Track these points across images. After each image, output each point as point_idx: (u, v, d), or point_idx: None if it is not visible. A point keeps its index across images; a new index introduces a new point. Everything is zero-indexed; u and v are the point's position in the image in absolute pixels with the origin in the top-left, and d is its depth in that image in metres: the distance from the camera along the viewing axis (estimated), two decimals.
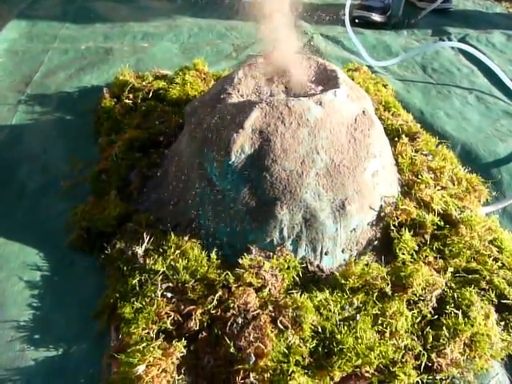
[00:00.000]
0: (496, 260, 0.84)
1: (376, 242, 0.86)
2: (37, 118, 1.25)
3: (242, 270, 0.76)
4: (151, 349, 0.68)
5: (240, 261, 0.77)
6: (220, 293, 0.74)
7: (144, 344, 0.69)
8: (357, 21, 1.85)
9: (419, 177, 0.96)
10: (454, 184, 0.98)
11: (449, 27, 1.88)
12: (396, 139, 1.09)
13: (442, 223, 0.87)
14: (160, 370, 0.66)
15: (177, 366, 0.68)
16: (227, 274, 0.76)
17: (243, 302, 0.72)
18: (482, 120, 1.32)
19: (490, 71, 1.50)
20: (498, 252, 0.86)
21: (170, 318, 0.72)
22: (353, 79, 1.34)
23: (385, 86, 1.36)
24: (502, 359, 0.74)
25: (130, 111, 1.18)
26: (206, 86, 1.27)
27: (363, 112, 0.85)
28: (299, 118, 0.78)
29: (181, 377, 0.67)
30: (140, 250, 0.80)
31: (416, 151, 1.08)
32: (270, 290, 0.75)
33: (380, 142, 0.88)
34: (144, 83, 1.26)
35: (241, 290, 0.73)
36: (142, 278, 0.77)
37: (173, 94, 1.19)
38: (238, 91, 0.86)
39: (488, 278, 0.80)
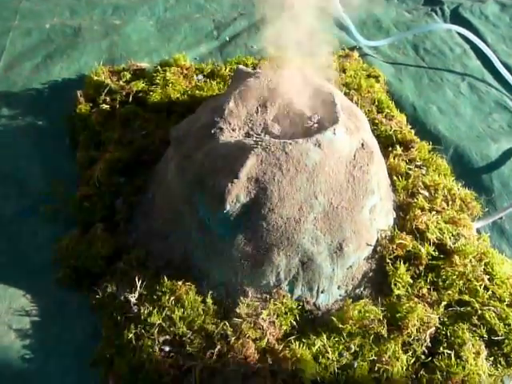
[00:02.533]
0: (487, 289, 0.86)
1: (371, 274, 0.86)
2: (5, 123, 1.15)
3: (240, 320, 0.75)
4: None
5: (237, 310, 0.76)
6: (219, 346, 0.73)
7: None
8: None
9: (415, 198, 0.95)
10: (448, 204, 0.97)
11: None
12: (390, 149, 1.06)
13: (437, 253, 0.87)
14: None
15: None
16: (225, 324, 0.75)
17: (243, 356, 0.72)
18: (474, 114, 1.29)
19: (483, 51, 1.45)
20: (489, 280, 0.87)
21: (169, 376, 0.71)
22: (344, 71, 1.27)
23: (376, 78, 1.29)
24: None
25: (108, 118, 1.09)
26: (189, 83, 1.19)
27: (362, 145, 0.81)
28: (297, 163, 0.73)
29: None
30: (133, 298, 0.78)
31: (410, 161, 1.05)
32: (268, 340, 0.74)
33: (378, 172, 0.85)
34: (121, 82, 1.16)
35: (240, 344, 0.73)
36: (138, 330, 0.75)
37: (154, 98, 1.11)
38: (230, 124, 0.80)
39: (479, 312, 0.82)
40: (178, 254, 0.85)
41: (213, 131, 0.79)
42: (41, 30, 1.45)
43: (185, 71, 1.20)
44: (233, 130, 0.79)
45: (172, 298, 0.78)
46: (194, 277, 0.82)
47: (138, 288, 0.80)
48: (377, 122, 1.12)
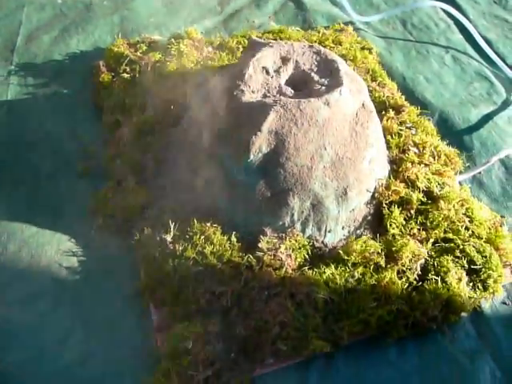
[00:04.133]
0: (467, 229, 1.01)
1: (369, 218, 1.00)
2: (31, 91, 1.25)
3: (262, 253, 0.89)
4: (194, 325, 0.81)
5: (259, 244, 0.90)
6: (245, 274, 0.87)
7: (186, 323, 0.82)
8: None
9: (406, 154, 1.09)
10: (434, 158, 1.11)
11: None
12: (383, 112, 1.20)
13: (425, 199, 1.02)
14: (204, 342, 0.80)
15: (217, 337, 0.82)
16: (249, 257, 0.89)
17: (265, 282, 0.86)
18: (457, 83, 1.43)
19: (465, 26, 1.58)
20: (470, 222, 1.02)
21: (204, 298, 0.85)
22: (340, 44, 1.39)
23: (369, 50, 1.42)
24: (469, 312, 0.93)
25: (129, 86, 1.20)
26: (200, 54, 1.29)
27: (363, 105, 0.94)
28: (310, 119, 0.86)
29: (220, 345, 0.82)
30: (168, 237, 0.91)
31: (401, 123, 1.19)
32: (286, 269, 0.88)
33: (376, 129, 0.98)
34: (139, 54, 1.26)
35: (262, 271, 0.87)
36: (175, 263, 0.88)
37: (171, 68, 1.22)
38: (249, 87, 0.92)
39: (461, 247, 0.97)
40: (204, 201, 0.97)
41: (235, 93, 0.90)
42: (54, 5, 1.52)
43: (196, 43, 1.31)
44: (252, 92, 0.91)
45: (202, 237, 0.91)
46: (220, 220, 0.95)
47: (172, 229, 0.92)
48: (371, 89, 1.25)
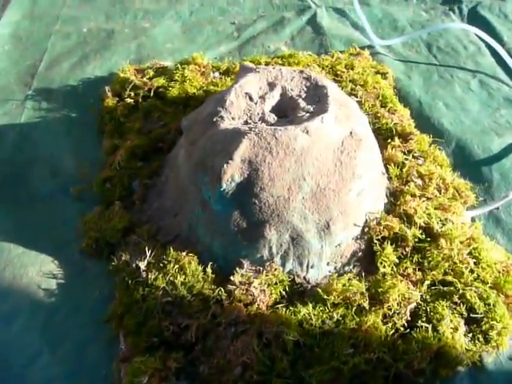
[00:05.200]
0: (472, 271, 0.90)
1: (360, 254, 0.93)
2: (44, 115, 1.30)
3: (234, 287, 0.84)
4: (153, 360, 0.78)
5: (232, 278, 0.85)
6: (213, 308, 0.83)
7: (147, 355, 0.79)
8: None
9: (407, 186, 1.01)
10: (440, 192, 1.02)
11: None
12: (389, 140, 1.12)
13: (424, 236, 0.93)
14: (161, 378, 0.76)
15: (176, 373, 0.78)
16: (220, 290, 0.85)
17: (234, 318, 0.81)
18: (481, 109, 1.32)
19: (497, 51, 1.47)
20: (475, 264, 0.92)
21: (169, 331, 0.81)
22: (352, 68, 1.34)
23: (384, 74, 1.35)
24: (468, 367, 0.83)
25: (131, 111, 1.22)
26: (205, 79, 1.29)
27: (350, 133, 0.89)
28: (286, 147, 0.82)
29: (178, 383, 0.78)
30: (142, 265, 0.89)
31: (408, 152, 1.11)
32: (258, 306, 0.83)
33: (368, 160, 0.91)
34: (145, 79, 1.28)
35: (232, 306, 0.82)
36: (144, 292, 0.86)
37: (172, 93, 1.22)
38: (230, 113, 0.89)
39: (461, 291, 0.87)
40: (184, 229, 0.95)
41: (215, 119, 0.88)
42: (79, 34, 1.60)
43: (202, 69, 1.31)
44: (233, 119, 0.89)
45: (176, 266, 0.88)
46: (198, 250, 0.92)
47: (148, 257, 0.90)
48: (379, 115, 1.18)
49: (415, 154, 1.11)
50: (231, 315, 0.81)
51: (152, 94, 1.24)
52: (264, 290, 0.85)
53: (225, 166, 0.81)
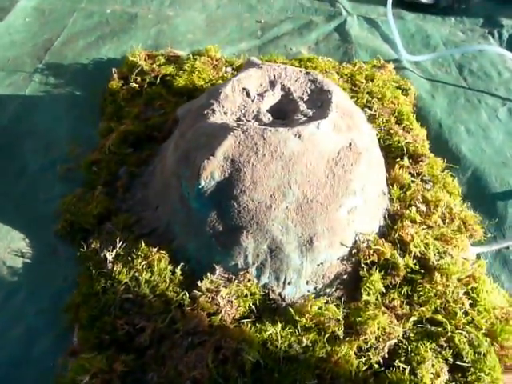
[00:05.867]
0: (466, 314, 0.81)
1: (345, 277, 0.85)
2: (49, 90, 1.28)
3: (199, 293, 0.78)
4: (100, 359, 0.72)
5: (199, 283, 0.79)
6: (173, 313, 0.76)
7: (95, 352, 0.73)
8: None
9: (408, 210, 0.92)
10: (444, 221, 0.93)
11: (503, 18, 1.69)
12: (398, 159, 1.04)
13: (417, 267, 0.84)
14: (104, 381, 0.70)
15: (122, 377, 0.72)
16: (185, 294, 0.78)
17: (192, 327, 0.75)
18: (505, 140, 1.22)
19: None
20: (471, 305, 0.82)
21: (123, 330, 0.76)
22: (373, 80, 1.26)
23: (405, 90, 1.27)
24: None
25: (134, 96, 1.18)
26: (216, 73, 1.24)
27: (349, 145, 0.81)
28: (274, 150, 0.75)
29: None
30: (110, 256, 0.84)
31: (417, 174, 1.03)
32: (222, 317, 0.76)
33: (366, 176, 0.84)
34: (154, 66, 1.24)
35: (193, 314, 0.76)
36: (106, 285, 0.80)
37: (179, 83, 1.17)
38: (223, 107, 0.83)
39: (450, 334, 0.78)
40: (162, 224, 0.89)
41: (205, 112, 0.83)
42: (101, 14, 1.58)
43: (215, 62, 1.26)
44: (224, 114, 0.82)
45: (144, 262, 0.82)
46: (173, 248, 0.86)
47: (118, 248, 0.85)
48: (392, 132, 1.10)
49: (424, 178, 1.02)
50: (190, 323, 0.75)
51: (158, 81, 1.20)
52: (231, 301, 0.78)
53: (205, 161, 0.75)
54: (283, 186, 0.76)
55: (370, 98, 1.19)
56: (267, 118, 0.83)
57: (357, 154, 0.81)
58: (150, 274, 0.81)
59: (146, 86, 1.19)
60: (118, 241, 0.86)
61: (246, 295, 0.80)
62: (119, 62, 1.34)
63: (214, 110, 0.82)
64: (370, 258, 0.84)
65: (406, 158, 1.04)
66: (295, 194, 0.77)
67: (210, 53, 1.26)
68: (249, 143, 0.75)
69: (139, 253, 0.84)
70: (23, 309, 0.85)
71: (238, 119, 0.83)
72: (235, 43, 1.50)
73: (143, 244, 0.85)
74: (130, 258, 0.83)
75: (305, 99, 0.86)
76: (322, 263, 0.83)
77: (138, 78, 1.20)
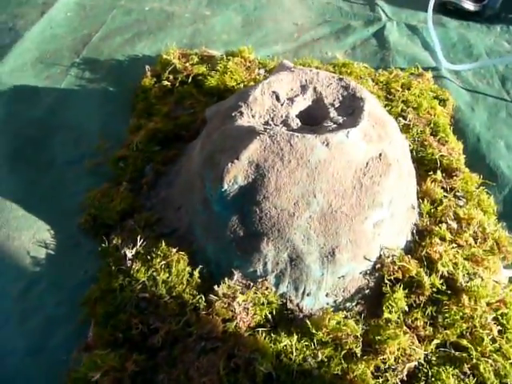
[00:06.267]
0: (493, 341, 0.77)
1: (367, 291, 0.82)
2: (84, 84, 1.30)
3: (216, 298, 0.77)
4: (112, 356, 0.72)
5: (216, 288, 0.78)
6: (188, 316, 0.75)
7: (108, 349, 0.73)
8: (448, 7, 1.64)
9: (438, 227, 0.88)
10: (476, 241, 0.88)
11: None
12: (430, 173, 1.00)
13: (444, 287, 0.80)
14: (114, 379, 0.70)
15: (133, 376, 0.72)
16: (201, 298, 0.77)
17: (206, 331, 0.74)
18: None
19: None
20: (500, 332, 0.78)
21: (137, 330, 0.75)
22: (409, 88, 1.22)
23: (443, 101, 1.22)
24: None
25: (166, 94, 1.18)
26: (249, 75, 1.22)
27: (379, 155, 0.78)
28: (300, 157, 0.73)
29: None
30: (129, 253, 0.84)
31: (450, 189, 0.98)
32: (237, 324, 0.75)
33: (395, 188, 0.80)
34: (187, 64, 1.24)
35: (208, 319, 0.75)
36: (124, 282, 0.80)
37: (210, 83, 1.17)
38: (251, 110, 0.82)
39: (475, 361, 0.74)
40: (184, 224, 0.89)
41: (233, 114, 0.81)
42: (140, 11, 1.59)
43: (248, 63, 1.24)
44: (252, 117, 0.81)
45: (163, 262, 0.82)
46: (192, 249, 0.86)
47: (138, 246, 0.85)
48: (426, 143, 1.06)
49: (457, 193, 0.98)
50: (205, 328, 0.74)
51: (190, 80, 1.19)
52: (248, 309, 0.76)
53: (229, 165, 0.74)
54: (307, 195, 0.74)
55: (405, 107, 1.15)
56: (296, 123, 0.81)
57: (386, 166, 0.78)
58: (167, 275, 0.80)
59: (177, 84, 1.19)
60: (138, 239, 0.86)
61: (263, 303, 0.78)
62: (154, 60, 1.35)
63: (241, 113, 0.81)
64: (394, 274, 0.80)
65: (439, 172, 0.99)
66: (319, 204, 0.75)
67: (243, 54, 1.25)
68: (275, 148, 0.73)
69: (159, 252, 0.83)
70: (43, 299, 0.86)
71: (266, 123, 0.81)
72: (270, 45, 1.48)
73: (163, 244, 0.84)
74: (149, 257, 0.83)
75: (336, 106, 0.84)
76: (343, 276, 0.80)
77: (171, 77, 1.21)
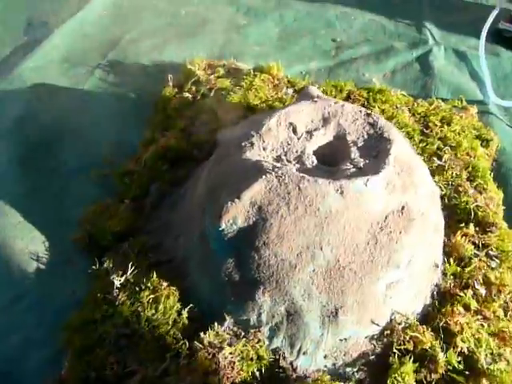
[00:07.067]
0: None
1: (372, 358, 0.73)
2: (105, 87, 1.26)
3: (200, 346, 0.69)
4: None
5: (201, 334, 0.70)
6: (168, 363, 0.69)
7: None
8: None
9: (463, 292, 0.78)
10: (506, 314, 0.77)
11: None
12: (461, 225, 0.89)
13: (462, 367, 0.70)
14: None
15: None
16: (184, 344, 0.70)
17: None
18: None
19: None
20: None
21: (112, 370, 0.69)
22: (449, 123, 1.11)
23: (487, 141, 1.10)
24: None
25: (185, 107, 1.12)
26: (276, 93, 1.15)
27: (402, 208, 0.69)
28: (308, 204, 0.65)
29: None
30: (117, 282, 0.78)
31: (483, 247, 0.87)
32: (219, 380, 0.67)
33: (416, 246, 0.71)
34: (212, 77, 1.17)
35: (187, 370, 0.67)
36: (107, 313, 0.74)
37: (233, 99, 1.10)
38: (263, 142, 0.74)
39: None
40: (180, 255, 0.82)
41: (243, 144, 0.74)
42: (175, 15, 1.54)
43: (276, 81, 1.17)
44: (264, 149, 0.73)
45: (151, 296, 0.75)
46: (186, 284, 0.79)
47: (128, 274, 0.79)
48: (460, 189, 0.95)
49: (491, 253, 0.86)
50: (183, 380, 0.67)
51: (212, 94, 1.13)
52: (234, 363, 0.69)
53: (229, 203, 0.66)
54: (313, 246, 0.66)
55: (441, 146, 1.04)
56: (311, 161, 0.72)
57: (408, 221, 0.69)
58: (153, 311, 0.74)
59: (199, 97, 1.13)
60: (130, 266, 0.80)
61: (252, 359, 0.70)
62: (180, 67, 1.29)
63: (252, 144, 0.73)
64: (404, 344, 0.70)
65: (471, 225, 0.88)
66: (326, 258, 0.66)
67: (271, 71, 1.17)
68: (281, 191, 0.65)
69: (148, 284, 0.77)
70: (25, 317, 0.81)
71: (278, 158, 0.73)
72: (305, 61, 1.40)
73: (155, 275, 0.78)
74: (137, 288, 0.77)
75: (359, 145, 0.75)
76: (345, 339, 0.71)
77: (193, 88, 1.15)
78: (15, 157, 1.05)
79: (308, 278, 0.67)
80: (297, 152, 0.74)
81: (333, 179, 0.66)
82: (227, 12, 1.58)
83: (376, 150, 0.73)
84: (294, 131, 0.75)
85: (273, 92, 1.15)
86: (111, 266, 0.81)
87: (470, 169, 1.00)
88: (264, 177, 0.66)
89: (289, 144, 0.75)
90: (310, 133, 0.76)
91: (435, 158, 1.00)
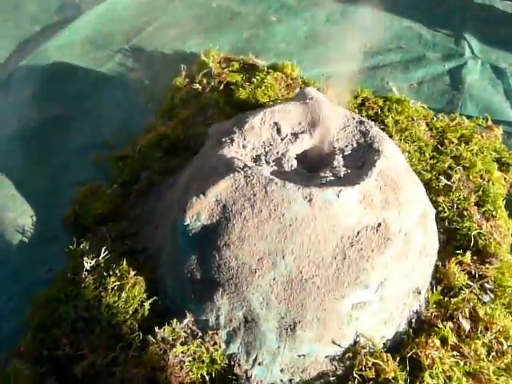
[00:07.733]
0: None
1: (332, 379, 0.68)
2: (123, 72, 1.27)
3: (153, 340, 0.68)
4: (30, 374, 0.66)
5: (156, 329, 0.69)
6: (118, 353, 0.67)
7: (28, 365, 0.68)
8: None
9: (444, 323, 0.71)
10: (489, 354, 0.70)
11: None
12: (459, 251, 0.82)
13: None
14: None
15: None
16: (138, 336, 0.69)
17: (130, 377, 0.65)
18: None
19: None
20: None
21: (64, 352, 0.69)
22: (468, 142, 1.03)
23: (507, 165, 1.01)
24: None
25: (193, 98, 1.10)
26: (287, 93, 1.11)
27: (378, 225, 0.64)
28: (273, 208, 0.61)
29: None
30: (87, 264, 0.77)
31: (478, 277, 0.80)
32: (167, 377, 0.65)
33: (391, 268, 0.65)
34: (225, 70, 1.15)
35: (136, 362, 0.66)
36: (72, 294, 0.74)
37: (241, 94, 1.07)
38: (244, 139, 0.71)
39: None
40: (155, 246, 0.81)
41: (223, 139, 0.71)
42: (204, 7, 1.53)
43: (289, 80, 1.13)
44: (243, 147, 0.70)
45: (116, 283, 0.74)
46: (156, 276, 0.77)
47: (100, 258, 0.78)
48: (465, 214, 0.88)
49: (486, 285, 0.79)
50: (129, 373, 0.65)
51: (221, 87, 1.11)
52: (183, 363, 0.67)
53: (194, 199, 0.64)
54: (275, 254, 0.62)
55: (454, 165, 0.97)
56: (290, 164, 0.69)
57: (384, 240, 0.64)
58: (115, 299, 0.73)
59: (207, 89, 1.11)
60: (103, 250, 0.79)
61: (204, 361, 0.67)
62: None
63: (232, 140, 0.70)
64: (365, 370, 0.65)
65: (468, 253, 0.81)
66: (288, 267, 0.62)
67: (285, 70, 1.14)
68: (247, 192, 0.62)
69: (116, 271, 0.76)
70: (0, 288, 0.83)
71: (257, 158, 0.70)
72: (329, 63, 1.35)
73: (124, 262, 0.77)
74: (105, 274, 0.76)
75: (346, 153, 0.70)
76: (304, 355, 0.67)
77: (204, 80, 1.13)
78: (23, 129, 1.07)
79: (267, 286, 0.63)
80: (277, 154, 0.70)
81: (303, 186, 0.62)
82: (259, 8, 1.56)
83: (362, 161, 0.69)
84: (279, 132, 0.72)
85: (284, 91, 1.11)
86: (87, 247, 0.81)
87: (481, 193, 0.92)
88: (232, 175, 0.63)
89: (271, 144, 0.71)
90: (295, 135, 0.72)
91: (442, 177, 0.93)
